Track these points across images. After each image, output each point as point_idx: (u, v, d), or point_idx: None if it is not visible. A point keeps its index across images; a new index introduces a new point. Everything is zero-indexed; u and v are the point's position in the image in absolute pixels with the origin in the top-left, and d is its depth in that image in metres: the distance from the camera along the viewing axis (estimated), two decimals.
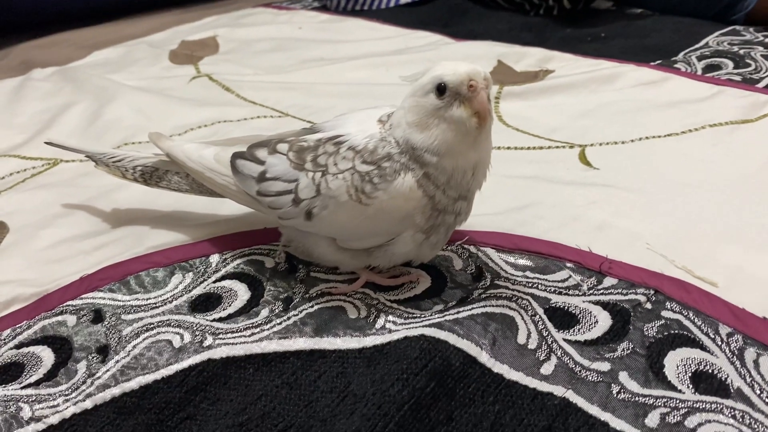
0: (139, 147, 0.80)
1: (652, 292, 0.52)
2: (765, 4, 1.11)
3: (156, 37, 1.18)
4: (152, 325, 0.52)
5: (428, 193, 0.48)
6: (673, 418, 0.43)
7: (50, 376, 0.49)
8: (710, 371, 0.46)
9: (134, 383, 0.47)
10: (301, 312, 0.52)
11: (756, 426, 0.42)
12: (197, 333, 0.50)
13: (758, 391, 0.44)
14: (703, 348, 0.47)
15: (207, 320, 0.52)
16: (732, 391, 0.44)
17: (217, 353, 0.48)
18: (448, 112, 0.46)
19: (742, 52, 0.98)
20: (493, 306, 0.51)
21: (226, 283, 0.56)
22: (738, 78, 0.89)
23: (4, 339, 0.52)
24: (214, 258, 0.58)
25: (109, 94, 0.92)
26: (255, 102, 0.91)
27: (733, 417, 0.42)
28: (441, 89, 0.46)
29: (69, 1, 1.24)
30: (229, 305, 0.53)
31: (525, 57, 0.99)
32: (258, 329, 0.50)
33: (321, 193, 0.49)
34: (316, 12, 1.30)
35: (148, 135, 0.61)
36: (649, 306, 0.51)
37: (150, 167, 0.61)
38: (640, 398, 0.44)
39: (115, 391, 0.46)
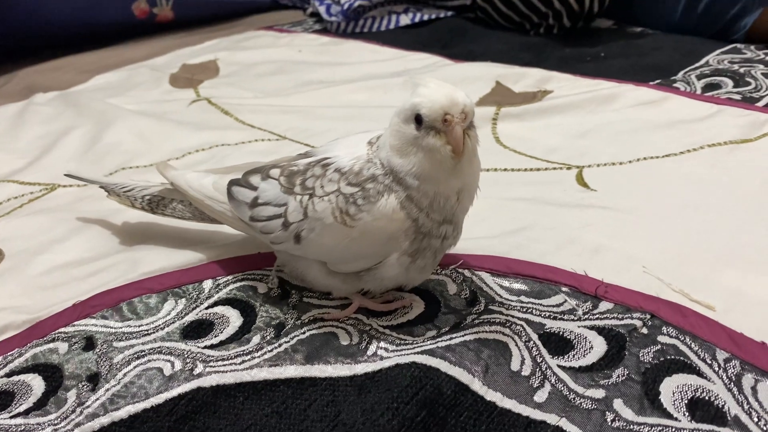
0: (138, 171, 0.80)
1: (648, 316, 0.51)
2: (762, 24, 1.11)
3: (157, 61, 1.19)
4: (143, 353, 0.51)
5: (411, 215, 0.48)
6: None
7: (40, 405, 0.48)
8: (707, 398, 0.45)
9: (123, 412, 0.46)
10: (292, 339, 0.51)
11: None
12: (188, 360, 0.50)
13: (756, 419, 0.44)
14: (699, 374, 0.47)
15: (198, 347, 0.51)
16: (729, 418, 0.44)
17: (207, 381, 0.48)
18: (424, 141, 0.46)
19: (742, 70, 0.97)
20: (486, 332, 0.50)
21: (219, 309, 0.55)
22: (738, 97, 0.89)
23: None
24: (207, 284, 0.58)
25: (109, 118, 0.93)
26: (253, 125, 0.91)
27: None
28: (418, 120, 0.45)
29: (71, 26, 1.25)
30: (221, 332, 0.53)
31: (524, 78, 0.98)
32: (249, 356, 0.50)
33: (308, 216, 0.49)
34: (317, 35, 1.31)
35: (156, 166, 0.62)
36: (645, 331, 0.50)
37: (157, 196, 0.62)
38: (635, 426, 0.43)
39: (104, 420, 0.46)
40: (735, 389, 0.45)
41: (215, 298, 0.56)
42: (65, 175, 0.69)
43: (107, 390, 0.48)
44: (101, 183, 0.66)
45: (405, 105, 0.47)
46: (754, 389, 0.45)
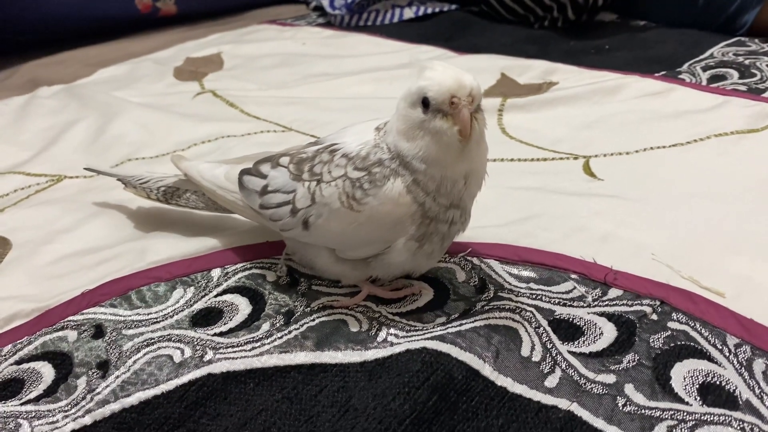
0: (143, 162, 0.80)
1: (657, 303, 0.51)
2: (765, 20, 1.11)
3: (161, 54, 1.18)
4: (153, 340, 0.51)
5: (418, 199, 0.48)
6: (680, 430, 0.42)
7: (50, 392, 0.48)
8: (718, 383, 0.45)
9: (134, 399, 0.46)
10: (302, 326, 0.51)
11: None
12: (197, 348, 0.50)
13: (767, 403, 0.43)
14: (710, 359, 0.47)
15: (208, 335, 0.51)
16: (740, 402, 0.44)
17: (217, 368, 0.48)
18: (431, 124, 0.45)
19: (747, 62, 0.97)
20: (496, 318, 0.50)
21: (228, 297, 0.55)
22: (743, 88, 0.89)
23: (5, 355, 0.52)
24: (216, 272, 0.58)
25: (114, 111, 0.92)
26: (259, 117, 0.91)
27: (742, 429, 0.42)
28: (425, 103, 0.45)
29: (75, 20, 1.24)
30: (230, 319, 0.53)
31: (529, 70, 0.98)
32: (258, 343, 0.50)
33: (316, 201, 0.49)
34: (321, 28, 1.31)
35: (171, 157, 0.63)
36: (654, 317, 0.50)
37: (171, 187, 0.63)
38: (647, 411, 0.43)
39: (115, 406, 0.46)
40: (746, 374, 0.45)
41: (224, 286, 0.56)
42: (85, 168, 0.70)
43: (117, 377, 0.48)
44: (119, 176, 0.67)
45: (411, 88, 0.46)
46: (765, 374, 0.45)
